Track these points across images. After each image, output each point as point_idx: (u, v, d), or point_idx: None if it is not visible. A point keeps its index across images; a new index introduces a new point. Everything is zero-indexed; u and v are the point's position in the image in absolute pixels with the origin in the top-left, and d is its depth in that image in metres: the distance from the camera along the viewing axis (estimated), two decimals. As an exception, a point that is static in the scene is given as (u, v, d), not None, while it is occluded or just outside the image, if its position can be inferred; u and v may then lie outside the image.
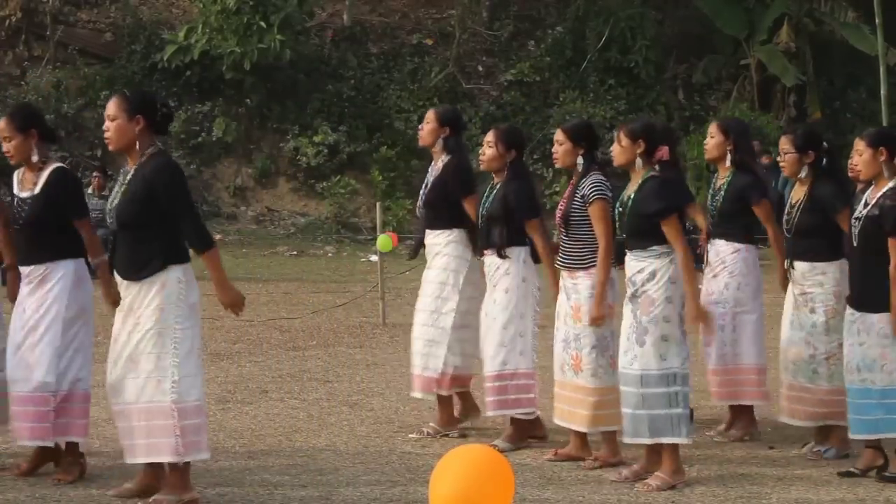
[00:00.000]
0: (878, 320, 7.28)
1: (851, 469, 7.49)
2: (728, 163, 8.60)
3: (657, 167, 7.32)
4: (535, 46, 29.33)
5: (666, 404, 7.16)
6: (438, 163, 8.62)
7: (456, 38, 28.83)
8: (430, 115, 8.74)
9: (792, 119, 27.62)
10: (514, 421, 8.22)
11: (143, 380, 6.54)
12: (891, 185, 7.35)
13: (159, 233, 6.56)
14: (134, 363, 6.56)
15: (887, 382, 7.28)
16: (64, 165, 7.46)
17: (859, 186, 7.72)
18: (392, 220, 23.43)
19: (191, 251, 6.70)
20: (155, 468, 6.74)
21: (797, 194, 8.02)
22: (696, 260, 8.02)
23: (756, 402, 8.57)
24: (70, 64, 27.13)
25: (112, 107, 6.71)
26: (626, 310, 7.31)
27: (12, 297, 7.35)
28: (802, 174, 7.99)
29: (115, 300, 6.71)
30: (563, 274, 7.78)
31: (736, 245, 8.45)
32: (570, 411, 7.74)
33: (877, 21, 24.20)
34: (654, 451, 7.33)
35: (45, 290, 7.09)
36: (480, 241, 8.30)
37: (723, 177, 8.64)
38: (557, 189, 23.82)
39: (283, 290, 17.58)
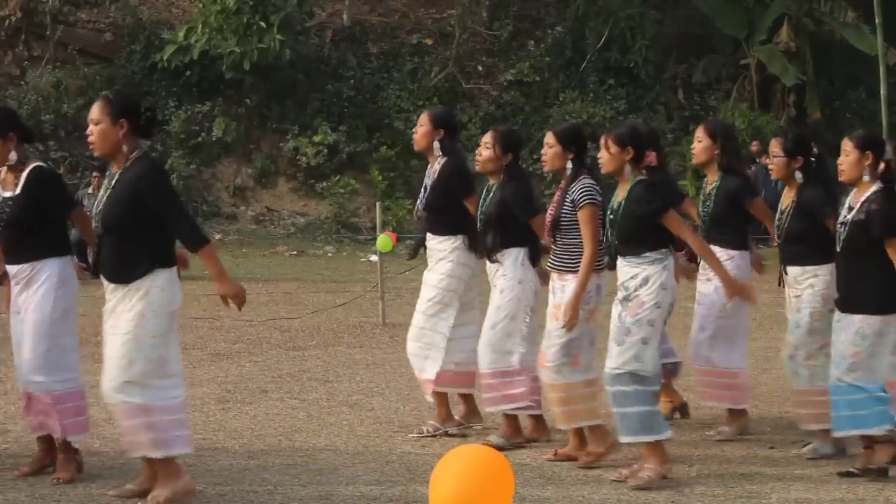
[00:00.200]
0: (861, 320, 7.30)
1: (851, 469, 7.50)
2: (716, 167, 8.59)
3: (644, 172, 7.33)
4: (535, 46, 29.34)
5: (639, 402, 7.17)
6: (435, 165, 8.60)
7: (456, 37, 28.84)
8: (424, 117, 8.72)
9: (792, 119, 27.63)
10: (507, 417, 8.24)
11: (111, 382, 6.55)
12: (874, 188, 7.37)
13: (145, 236, 6.56)
14: (109, 366, 6.57)
15: (853, 378, 7.31)
16: (43, 164, 7.44)
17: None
18: (392, 219, 23.45)
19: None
20: (173, 469, 6.76)
21: (786, 200, 8.03)
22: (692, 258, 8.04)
23: (727, 404, 8.59)
24: (70, 64, 27.14)
25: (96, 111, 6.70)
26: (614, 313, 7.31)
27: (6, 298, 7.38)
28: (792, 178, 7.98)
29: None
30: (553, 276, 7.78)
31: (730, 252, 8.44)
32: (582, 410, 7.78)
33: (877, 21, 24.18)
34: (658, 451, 7.34)
35: (31, 291, 7.11)
36: (478, 245, 8.32)
37: (712, 181, 8.63)
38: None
39: (282, 290, 17.58)
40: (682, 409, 9.02)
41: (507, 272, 8.11)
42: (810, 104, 28.04)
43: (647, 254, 7.20)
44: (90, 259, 7.17)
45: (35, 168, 7.27)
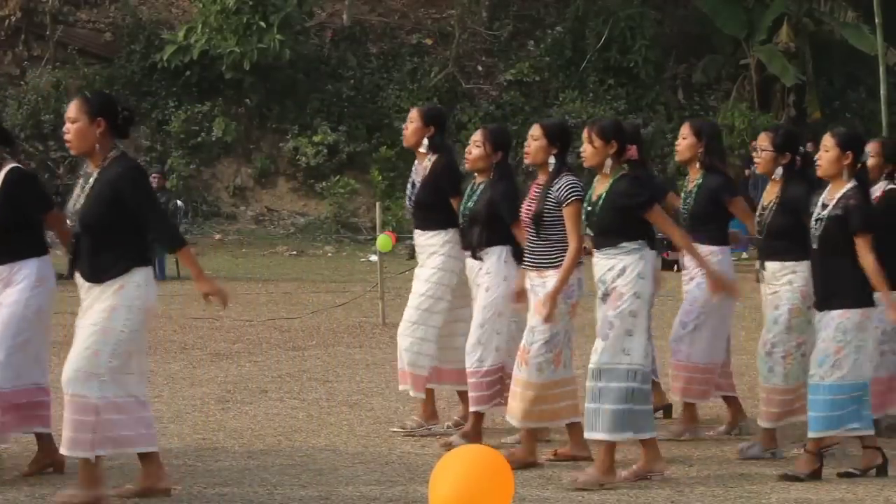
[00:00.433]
0: (839, 315, 7.30)
1: (850, 470, 7.50)
2: (698, 165, 8.58)
3: (625, 166, 7.33)
4: (535, 46, 29.34)
5: (623, 399, 7.14)
6: (425, 162, 8.59)
7: (455, 37, 28.84)
8: (414, 114, 8.70)
9: (791, 119, 27.62)
10: (475, 417, 8.19)
11: (73, 371, 6.53)
12: (850, 185, 7.38)
13: (123, 236, 6.56)
14: (74, 355, 6.56)
15: (838, 377, 7.30)
16: (20, 165, 7.43)
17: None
18: (392, 219, 23.43)
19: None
20: (154, 468, 6.76)
21: (769, 195, 8.02)
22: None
23: (697, 400, 8.59)
24: (70, 64, 27.14)
25: (73, 109, 6.68)
26: (600, 313, 7.29)
27: None
28: (777, 175, 7.98)
29: None
30: (531, 274, 7.69)
31: (710, 247, 8.43)
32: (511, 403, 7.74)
33: (876, 21, 24.18)
34: (652, 448, 7.32)
35: (9, 291, 7.11)
36: (461, 240, 8.30)
37: (693, 179, 8.63)
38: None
39: (282, 290, 17.58)
40: (667, 409, 9.00)
41: (491, 269, 8.08)
42: (810, 104, 28.05)
43: (625, 244, 7.18)
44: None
45: (12, 169, 7.27)
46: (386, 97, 27.69)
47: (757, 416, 8.21)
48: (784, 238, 7.83)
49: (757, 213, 8.09)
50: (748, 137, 25.13)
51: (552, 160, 7.64)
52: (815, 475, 7.39)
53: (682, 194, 8.74)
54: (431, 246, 8.52)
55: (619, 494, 7.07)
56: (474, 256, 8.16)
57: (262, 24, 25.80)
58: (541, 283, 7.61)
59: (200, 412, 9.28)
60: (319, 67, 28.10)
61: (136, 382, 6.69)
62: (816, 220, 7.42)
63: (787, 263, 7.89)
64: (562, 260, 7.53)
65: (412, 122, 8.64)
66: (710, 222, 8.48)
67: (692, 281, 8.49)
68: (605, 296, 7.23)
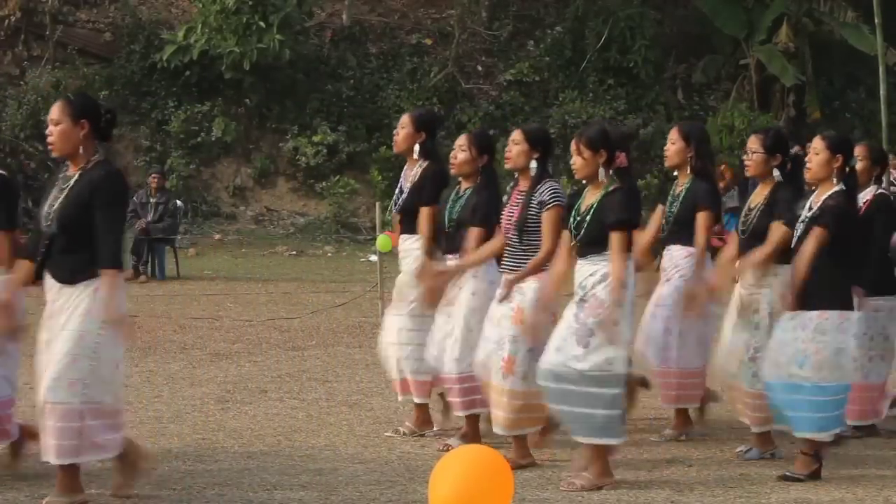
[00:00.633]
0: (819, 315, 7.30)
1: (789, 473, 7.47)
2: (688, 169, 8.55)
3: (614, 175, 7.32)
4: (535, 46, 29.33)
5: (604, 405, 7.11)
6: (416, 168, 8.53)
7: (455, 37, 28.83)
8: (406, 119, 8.65)
9: (791, 119, 27.63)
10: (470, 419, 8.17)
11: (53, 380, 6.46)
12: (836, 188, 7.38)
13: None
14: (52, 363, 6.49)
15: (818, 378, 7.30)
16: (4, 174, 7.39)
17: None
18: (391, 219, 23.42)
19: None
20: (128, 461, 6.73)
21: (757, 197, 8.01)
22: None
23: (691, 405, 8.60)
24: (69, 64, 27.13)
25: (56, 111, 6.66)
26: (568, 313, 7.24)
27: None
28: (769, 177, 7.96)
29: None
30: (510, 279, 7.64)
31: (691, 249, 8.44)
32: (492, 413, 7.68)
33: (876, 21, 24.14)
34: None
35: None
36: (447, 244, 8.19)
37: (682, 184, 8.57)
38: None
39: (282, 290, 17.58)
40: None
41: (478, 274, 8.00)
42: (810, 104, 28.04)
43: (608, 252, 7.16)
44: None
45: None
46: (386, 97, 27.69)
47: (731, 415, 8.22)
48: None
49: (743, 214, 8.07)
50: (748, 138, 25.10)
51: (534, 164, 7.61)
52: (815, 475, 7.39)
53: (669, 197, 8.64)
54: (417, 251, 8.47)
55: (619, 494, 7.07)
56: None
57: (262, 24, 25.79)
58: (519, 290, 7.57)
59: (200, 412, 9.28)
60: (319, 67, 28.09)
61: (116, 387, 6.63)
62: (801, 222, 7.44)
63: (770, 266, 7.90)
64: (544, 267, 7.51)
65: (403, 128, 8.59)
66: (691, 226, 8.42)
67: (668, 282, 8.48)
68: (582, 300, 7.18)
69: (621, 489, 7.16)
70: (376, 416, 9.21)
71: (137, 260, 18.77)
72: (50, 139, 6.67)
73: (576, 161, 7.30)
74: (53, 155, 6.81)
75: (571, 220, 7.32)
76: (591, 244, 7.20)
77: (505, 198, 7.81)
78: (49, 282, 6.61)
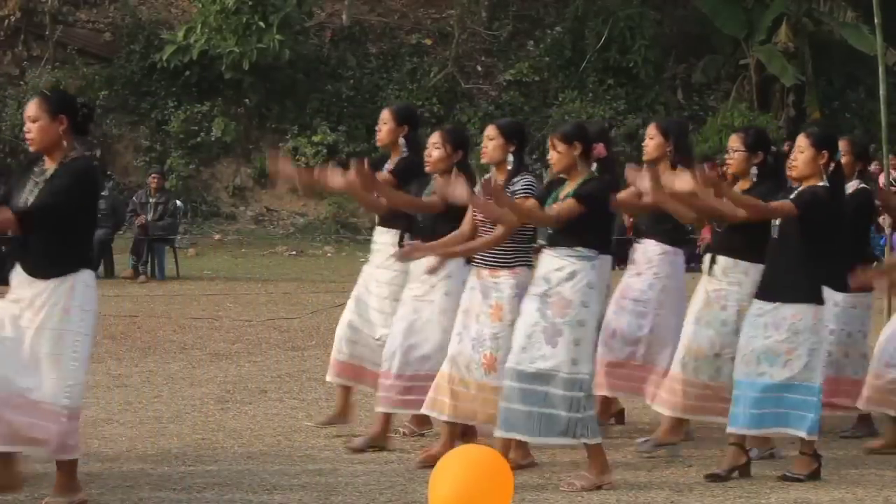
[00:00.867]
0: (792, 315, 7.29)
1: (716, 471, 7.44)
2: (667, 164, 8.53)
3: (595, 168, 7.31)
4: (535, 46, 29.34)
5: (567, 407, 7.07)
6: (394, 161, 8.50)
7: (455, 37, 28.84)
8: (386, 114, 8.62)
9: (791, 119, 27.64)
10: (383, 418, 8.10)
11: (39, 378, 6.41)
12: (820, 183, 7.38)
13: (73, 235, 6.49)
14: (34, 361, 6.44)
15: (787, 377, 7.29)
16: None
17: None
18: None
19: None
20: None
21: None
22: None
23: (636, 397, 8.65)
24: (69, 64, 27.13)
25: (33, 108, 6.63)
26: (530, 307, 7.18)
27: None
28: (748, 175, 7.95)
29: None
30: (483, 273, 7.59)
31: (665, 247, 8.44)
32: (470, 408, 7.61)
33: (876, 21, 24.00)
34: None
35: None
36: (421, 238, 8.02)
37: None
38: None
39: (282, 290, 17.57)
40: (619, 415, 8.98)
41: (452, 273, 7.93)
42: (809, 104, 28.05)
43: (580, 248, 7.13)
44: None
45: None
46: (385, 97, 27.67)
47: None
48: (744, 237, 7.77)
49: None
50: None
51: (510, 158, 7.57)
52: (815, 475, 7.39)
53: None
54: (394, 245, 8.38)
55: (619, 494, 7.07)
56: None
57: (262, 24, 25.80)
58: (492, 283, 7.53)
59: (200, 412, 9.28)
60: (319, 67, 28.10)
61: (81, 392, 6.57)
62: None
63: (742, 263, 7.90)
64: (515, 259, 7.46)
65: (385, 123, 8.56)
66: (668, 222, 8.39)
67: (639, 276, 8.46)
68: (545, 295, 7.14)
69: (621, 489, 7.16)
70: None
71: (137, 260, 18.77)
72: (29, 135, 6.62)
73: (552, 156, 7.32)
74: (32, 150, 6.75)
75: (548, 207, 7.30)
76: (563, 233, 7.17)
77: (477, 189, 7.75)
78: (20, 275, 6.53)
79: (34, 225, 6.51)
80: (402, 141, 8.49)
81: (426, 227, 8.04)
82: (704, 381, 7.97)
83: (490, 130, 7.73)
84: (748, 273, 7.86)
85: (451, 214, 7.86)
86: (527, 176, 7.57)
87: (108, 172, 21.78)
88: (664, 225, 8.41)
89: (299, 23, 27.25)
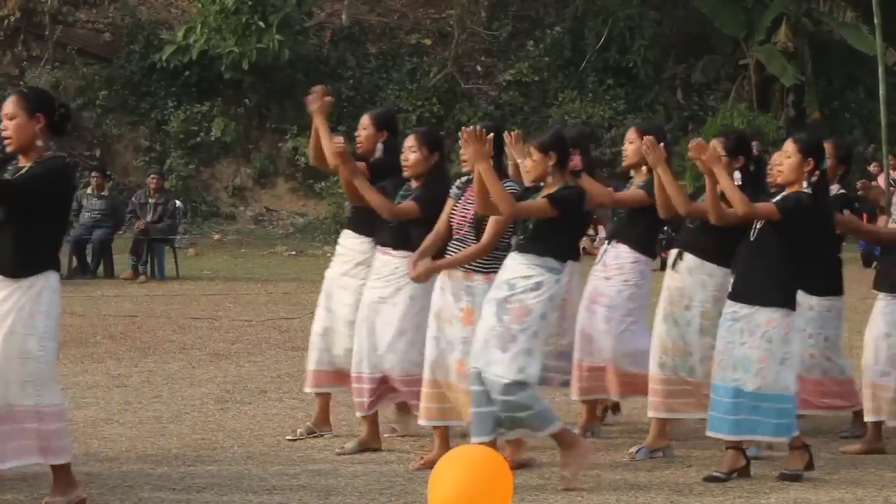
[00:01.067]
0: (766, 322, 7.29)
1: (715, 473, 7.45)
2: (645, 169, 8.50)
3: (569, 178, 7.31)
4: (534, 46, 29.35)
5: (518, 409, 7.06)
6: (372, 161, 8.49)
7: (455, 38, 28.85)
8: (366, 120, 8.57)
9: (791, 119, 27.65)
10: (371, 419, 8.10)
11: (6, 383, 6.36)
12: (805, 190, 7.38)
13: (43, 235, 6.46)
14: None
15: (759, 385, 7.30)
16: None
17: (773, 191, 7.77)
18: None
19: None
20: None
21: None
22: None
23: (615, 397, 8.62)
24: (69, 64, 27.15)
25: (10, 105, 6.57)
26: (488, 311, 7.15)
27: None
28: (736, 180, 7.93)
29: None
30: (456, 274, 7.53)
31: (637, 255, 8.42)
32: (449, 409, 7.62)
33: (875, 21, 24.14)
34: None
35: None
36: (393, 240, 7.98)
37: (637, 183, 8.54)
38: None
39: (281, 290, 17.57)
40: (615, 407, 8.97)
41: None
42: (809, 104, 28.06)
43: (550, 259, 7.12)
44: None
45: None
46: (385, 97, 27.69)
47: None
48: (714, 238, 7.76)
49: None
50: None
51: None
52: (809, 467, 7.41)
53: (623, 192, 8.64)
54: (361, 253, 8.37)
55: (619, 494, 7.07)
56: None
57: (262, 24, 25.81)
58: (466, 287, 7.48)
59: (199, 412, 9.28)
60: (318, 67, 28.10)
61: (57, 391, 6.55)
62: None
63: (707, 264, 7.92)
64: (494, 267, 7.40)
65: (364, 129, 8.50)
66: (638, 227, 8.42)
67: (608, 281, 8.45)
68: (505, 301, 7.10)
69: (621, 489, 7.17)
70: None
71: (137, 260, 18.77)
72: (6, 133, 6.56)
73: (527, 163, 7.31)
74: (9, 150, 6.69)
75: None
76: (533, 241, 7.16)
77: (454, 192, 7.72)
78: None
79: (3, 199, 6.42)
80: (379, 146, 8.43)
81: (400, 229, 7.96)
82: (683, 377, 8.00)
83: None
84: (713, 275, 7.90)
85: (422, 223, 7.83)
86: (510, 182, 7.54)
87: (108, 172, 21.75)
88: (637, 228, 8.42)
89: (299, 23, 27.27)
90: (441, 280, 7.63)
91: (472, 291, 7.48)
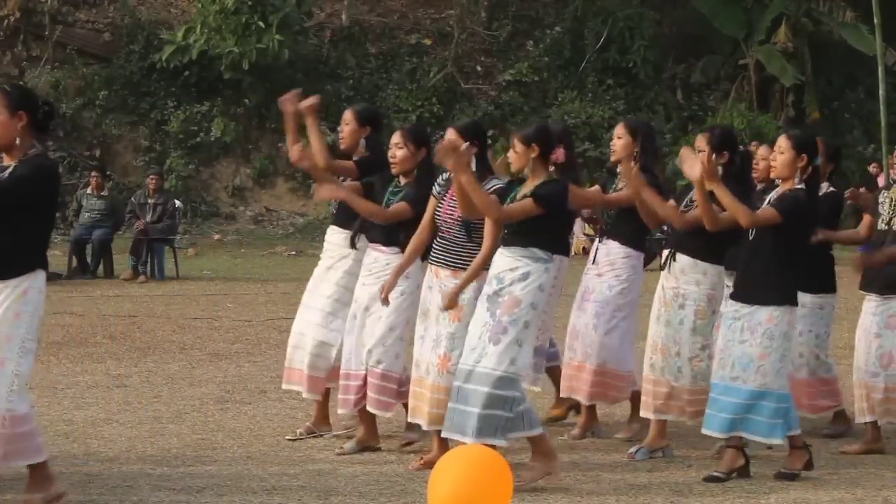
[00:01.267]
0: (767, 320, 7.30)
1: (715, 473, 7.45)
2: (635, 165, 8.49)
3: (553, 170, 7.30)
4: (534, 46, 29.35)
5: (502, 407, 7.03)
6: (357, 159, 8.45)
7: (454, 38, 28.85)
8: (349, 115, 8.57)
9: (790, 119, 27.65)
10: (367, 418, 8.11)
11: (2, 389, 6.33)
12: (797, 185, 7.38)
13: (29, 234, 6.42)
14: None
15: (760, 384, 7.31)
16: None
17: (759, 186, 7.74)
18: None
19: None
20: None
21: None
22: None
23: (608, 402, 8.67)
24: (68, 64, 27.15)
25: None
26: (481, 308, 7.17)
27: None
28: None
29: None
30: (444, 273, 7.56)
31: (628, 250, 8.44)
32: (418, 406, 7.63)
33: (875, 21, 24.19)
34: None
35: None
36: (383, 238, 8.00)
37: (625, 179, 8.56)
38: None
39: (281, 290, 17.56)
40: (577, 407, 8.92)
41: (410, 274, 7.86)
42: (809, 104, 28.06)
43: (536, 249, 7.12)
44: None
45: None
46: (385, 97, 27.70)
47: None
48: (706, 238, 7.75)
49: (683, 205, 8.03)
50: (748, 138, 25.13)
51: (472, 160, 7.33)
52: (808, 466, 7.42)
53: (612, 192, 8.61)
54: (345, 248, 8.36)
55: (619, 494, 7.07)
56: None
57: (261, 24, 25.80)
58: (452, 284, 7.49)
59: (199, 412, 9.28)
60: (318, 67, 28.10)
61: (28, 394, 6.50)
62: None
63: (700, 263, 7.92)
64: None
65: (347, 124, 8.52)
66: (630, 224, 8.42)
67: (599, 278, 8.46)
68: (496, 295, 7.12)
69: (621, 489, 7.17)
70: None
71: (137, 260, 18.77)
72: None
73: (510, 155, 7.32)
74: None
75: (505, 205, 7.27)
76: (519, 234, 7.16)
77: (436, 190, 7.71)
78: None
79: None
80: (362, 142, 8.43)
81: (390, 226, 7.95)
82: (669, 381, 8.01)
83: (451, 134, 7.55)
84: (707, 273, 7.91)
85: (409, 221, 7.84)
86: (496, 179, 7.57)
87: (108, 172, 21.74)
88: (627, 226, 8.43)
89: (299, 23, 27.26)
90: (429, 278, 7.66)
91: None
